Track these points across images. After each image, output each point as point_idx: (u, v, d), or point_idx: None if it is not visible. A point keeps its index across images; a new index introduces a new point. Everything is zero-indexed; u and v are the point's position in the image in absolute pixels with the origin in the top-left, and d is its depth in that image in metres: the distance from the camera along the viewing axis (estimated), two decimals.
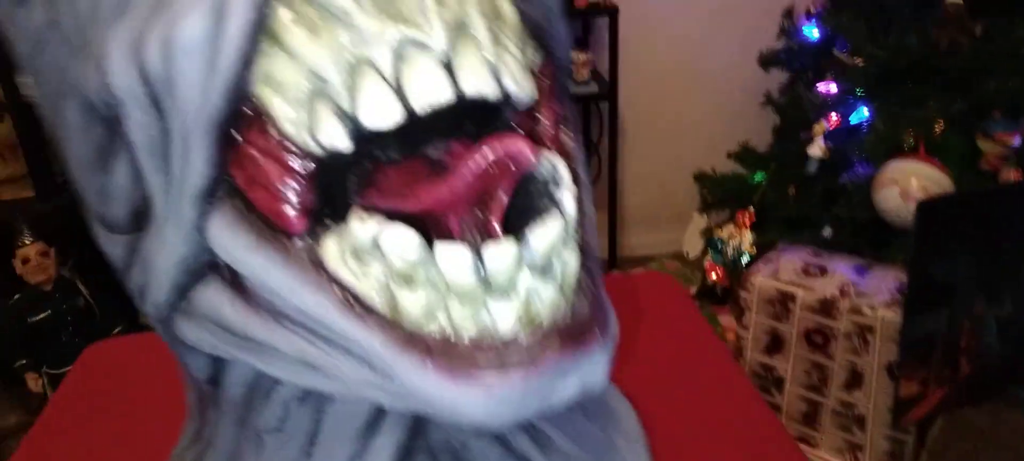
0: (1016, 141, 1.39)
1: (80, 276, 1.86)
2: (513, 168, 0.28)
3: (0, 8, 0.33)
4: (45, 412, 0.71)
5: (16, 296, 1.77)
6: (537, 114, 0.32)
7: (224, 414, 0.37)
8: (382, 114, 0.26)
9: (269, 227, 0.28)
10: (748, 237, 1.68)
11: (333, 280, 0.28)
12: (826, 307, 1.22)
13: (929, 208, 1.08)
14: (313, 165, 0.27)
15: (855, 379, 1.23)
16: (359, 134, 0.26)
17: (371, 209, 0.28)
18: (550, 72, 0.33)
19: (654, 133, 2.38)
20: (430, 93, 0.26)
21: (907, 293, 1.09)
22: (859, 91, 1.52)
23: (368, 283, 0.27)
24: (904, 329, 1.10)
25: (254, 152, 0.28)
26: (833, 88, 1.57)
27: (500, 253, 0.26)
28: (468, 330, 0.26)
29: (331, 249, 0.28)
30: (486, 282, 0.26)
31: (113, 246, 0.33)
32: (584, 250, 0.29)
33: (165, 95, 0.27)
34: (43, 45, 0.32)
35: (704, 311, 1.77)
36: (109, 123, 0.29)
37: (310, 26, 0.26)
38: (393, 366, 0.27)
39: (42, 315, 1.76)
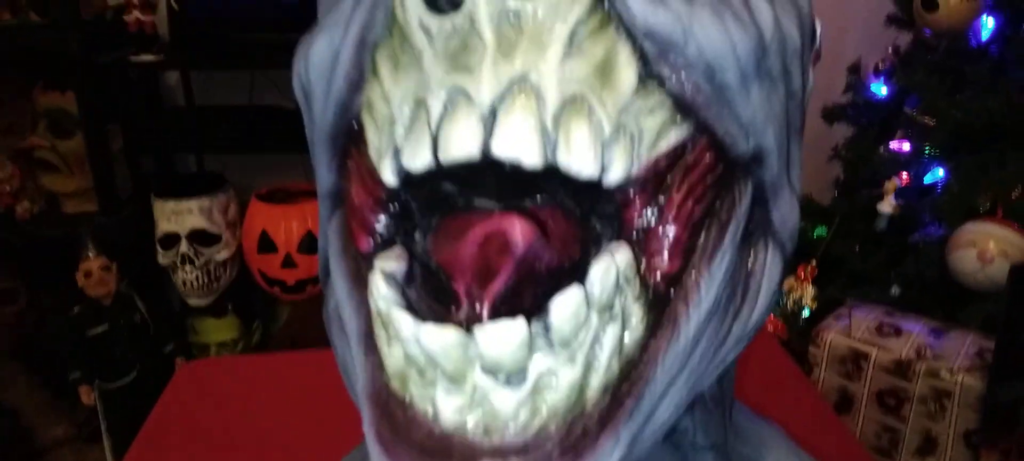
0: None
1: (137, 292, 1.88)
2: (509, 245, 0.26)
3: None
4: (144, 429, 0.72)
5: (75, 308, 1.79)
6: (656, 199, 0.27)
7: None
8: (415, 158, 0.25)
9: (348, 243, 0.30)
10: (810, 291, 1.66)
11: (375, 303, 0.27)
12: (901, 369, 1.19)
13: (1022, 272, 1.05)
14: (382, 193, 0.28)
15: (929, 445, 1.19)
16: (408, 174, 0.26)
17: (421, 250, 0.29)
18: (704, 158, 0.28)
19: None
20: (455, 146, 0.24)
21: (994, 358, 1.06)
22: (932, 150, 1.50)
23: (378, 323, 0.27)
24: (988, 395, 1.07)
25: (354, 171, 0.29)
26: (906, 146, 1.55)
27: (436, 336, 0.23)
28: (419, 400, 0.25)
29: (375, 277, 0.27)
30: (432, 361, 0.24)
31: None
32: (631, 377, 0.26)
33: (309, 102, 0.30)
34: None
35: None
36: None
37: (395, 62, 0.26)
38: (361, 406, 0.27)
39: (99, 329, 1.78)
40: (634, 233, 0.27)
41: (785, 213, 0.32)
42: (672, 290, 0.27)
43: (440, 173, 0.25)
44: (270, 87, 2.05)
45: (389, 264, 0.27)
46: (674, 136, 0.27)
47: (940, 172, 1.48)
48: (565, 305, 0.24)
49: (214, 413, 0.74)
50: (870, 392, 1.24)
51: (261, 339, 2.16)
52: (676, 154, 0.27)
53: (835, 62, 1.89)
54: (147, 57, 1.91)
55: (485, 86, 0.24)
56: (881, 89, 1.74)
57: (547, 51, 0.24)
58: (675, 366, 0.27)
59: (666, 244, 0.27)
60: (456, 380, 0.24)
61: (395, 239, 0.29)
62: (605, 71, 0.25)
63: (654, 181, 0.27)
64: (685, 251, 0.28)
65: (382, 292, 0.26)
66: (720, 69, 0.26)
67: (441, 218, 0.29)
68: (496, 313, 0.26)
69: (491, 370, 0.24)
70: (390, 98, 0.26)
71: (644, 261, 0.27)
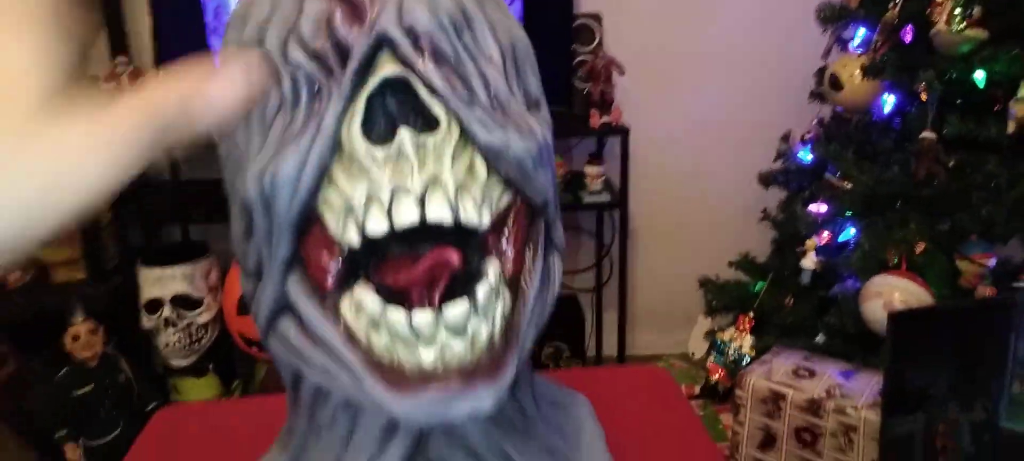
0: (992, 262, 1.52)
1: (122, 354, 1.99)
2: (449, 268, 0.43)
3: (218, 140, 0.50)
4: None
5: (63, 370, 1.89)
6: (504, 230, 0.46)
7: (300, 413, 0.53)
8: (376, 227, 0.41)
9: (316, 287, 0.45)
10: (748, 340, 1.80)
11: (342, 322, 0.43)
12: (813, 406, 1.33)
13: (901, 319, 1.20)
14: (342, 253, 0.44)
15: None
16: (367, 237, 0.42)
17: (373, 282, 0.43)
18: (521, 208, 0.47)
19: (662, 241, 2.54)
20: (404, 217, 0.41)
21: (884, 397, 1.20)
22: (846, 211, 1.67)
23: (359, 325, 0.43)
24: (883, 430, 1.21)
25: (313, 240, 0.44)
26: (824, 208, 1.72)
27: (422, 317, 0.41)
28: (407, 361, 0.41)
29: (345, 303, 0.43)
30: (416, 333, 0.41)
31: (247, 286, 0.50)
32: (509, 323, 0.43)
33: (272, 204, 0.43)
34: (226, 164, 0.50)
35: (706, 410, 1.87)
36: (249, 216, 0.45)
37: (349, 173, 0.42)
38: (362, 378, 0.42)
39: (85, 389, 1.87)
40: (494, 253, 0.45)
41: (560, 235, 0.52)
42: (520, 278, 0.46)
43: (391, 235, 0.42)
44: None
45: (367, 291, 0.43)
46: (507, 199, 0.46)
47: (852, 231, 1.65)
48: (482, 290, 0.42)
49: (189, 455, 0.84)
50: (789, 429, 1.37)
51: (240, 397, 2.25)
52: (509, 208, 0.46)
53: (769, 131, 2.09)
54: None
55: (416, 184, 0.41)
56: (807, 156, 1.92)
57: (443, 161, 0.42)
58: (527, 320, 0.45)
59: (511, 256, 0.46)
60: (429, 341, 0.41)
61: (347, 281, 0.44)
62: (471, 169, 0.43)
63: (499, 224, 0.45)
64: (519, 258, 0.46)
65: (375, 303, 0.42)
66: (523, 163, 0.45)
67: (380, 260, 0.44)
68: (441, 302, 0.42)
69: (451, 330, 0.41)
70: (347, 195, 0.42)
71: (503, 266, 0.45)
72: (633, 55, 2.24)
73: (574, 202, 2.20)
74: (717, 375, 1.85)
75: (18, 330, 2.20)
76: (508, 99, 0.46)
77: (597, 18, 2.30)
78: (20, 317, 2.16)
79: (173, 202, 2.27)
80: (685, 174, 2.47)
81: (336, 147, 0.42)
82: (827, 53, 1.90)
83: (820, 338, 1.64)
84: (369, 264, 0.44)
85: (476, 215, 0.43)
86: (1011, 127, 1.48)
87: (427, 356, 0.41)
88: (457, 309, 0.41)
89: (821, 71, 1.95)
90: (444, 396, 0.40)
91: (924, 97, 1.57)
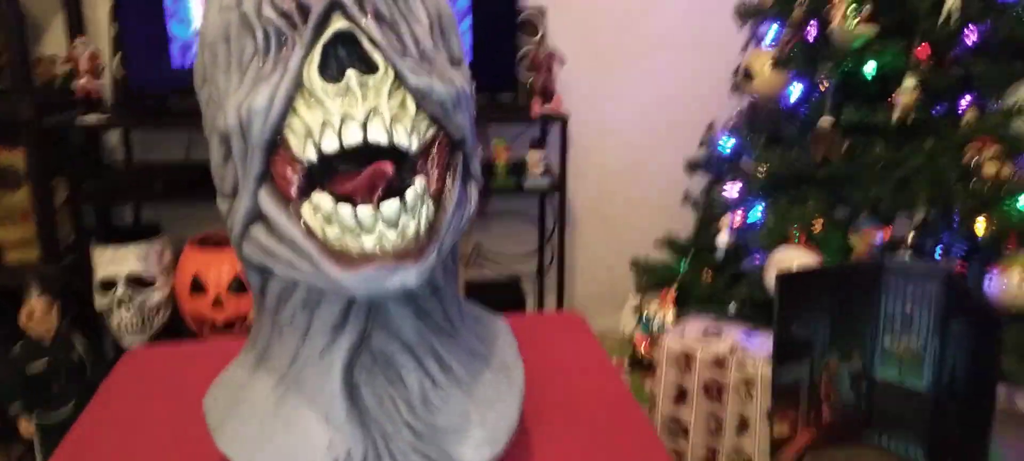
0: (879, 237, 1.70)
1: (76, 332, 2.04)
2: (385, 176, 0.55)
3: (196, 86, 0.62)
4: (87, 409, 0.88)
5: (16, 346, 1.93)
6: (429, 157, 0.59)
7: (265, 316, 0.65)
8: (329, 146, 0.54)
9: (282, 196, 0.57)
10: (671, 313, 1.96)
11: (303, 222, 0.55)
12: (719, 362, 1.49)
13: (787, 278, 1.36)
14: (303, 168, 0.56)
15: (743, 425, 1.48)
16: (322, 154, 0.54)
17: (327, 189, 0.55)
18: (444, 140, 0.60)
19: (599, 225, 2.70)
20: (350, 138, 0.53)
21: (774, 349, 1.36)
22: (755, 192, 1.83)
23: (316, 223, 0.55)
24: (773, 378, 1.36)
25: (279, 159, 0.56)
26: (736, 191, 1.89)
27: (364, 211, 0.53)
28: (353, 246, 0.53)
29: (305, 208, 0.55)
30: (360, 224, 0.53)
31: (223, 206, 0.61)
32: (432, 226, 0.56)
33: (247, 130, 0.55)
34: (208, 106, 0.62)
35: (633, 377, 2.02)
36: (227, 143, 0.57)
37: (308, 105, 0.55)
38: (319, 262, 0.54)
39: (40, 365, 1.91)
40: (421, 172, 0.57)
41: (477, 168, 0.64)
42: (442, 195, 0.58)
43: (339, 154, 0.54)
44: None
45: (323, 195, 0.55)
46: (433, 132, 0.58)
47: (759, 211, 1.82)
48: (410, 194, 0.54)
49: (156, 392, 0.90)
50: (698, 384, 1.53)
51: (205, 339, 2.32)
52: (433, 139, 0.58)
53: (696, 121, 2.25)
54: (93, 118, 2.12)
55: (359, 113, 0.53)
56: (728, 144, 2.08)
57: (381, 96, 0.54)
58: (446, 226, 0.57)
59: (434, 176, 0.58)
60: (370, 230, 0.53)
61: (307, 190, 0.56)
62: (403, 105, 0.56)
63: (426, 150, 0.58)
64: (441, 179, 0.59)
65: (329, 203, 0.54)
66: (444, 103, 0.57)
67: (332, 175, 0.56)
68: (379, 203, 0.54)
69: (386, 223, 0.53)
70: (306, 121, 0.54)
71: (428, 183, 0.57)
72: (574, 48, 2.39)
73: (516, 187, 2.33)
74: (643, 346, 2.00)
75: None
76: (433, 55, 0.59)
77: (541, 12, 2.44)
78: None
79: (126, 183, 2.33)
80: (620, 160, 2.63)
81: (298, 84, 0.54)
82: (745, 48, 2.07)
83: (732, 308, 1.80)
84: (324, 177, 0.56)
85: (406, 139, 0.55)
86: (896, 114, 1.66)
87: (368, 242, 0.53)
88: (391, 206, 0.53)
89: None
90: (380, 271, 0.52)
91: (823, 87, 1.74)
